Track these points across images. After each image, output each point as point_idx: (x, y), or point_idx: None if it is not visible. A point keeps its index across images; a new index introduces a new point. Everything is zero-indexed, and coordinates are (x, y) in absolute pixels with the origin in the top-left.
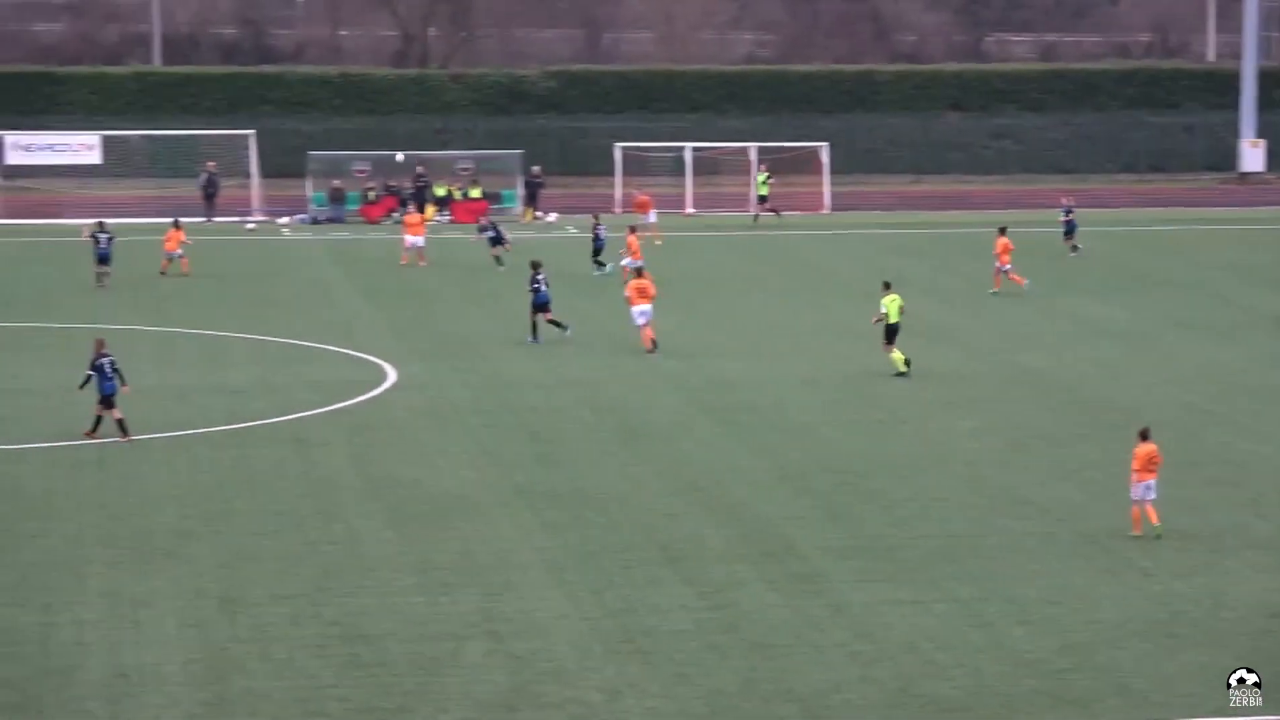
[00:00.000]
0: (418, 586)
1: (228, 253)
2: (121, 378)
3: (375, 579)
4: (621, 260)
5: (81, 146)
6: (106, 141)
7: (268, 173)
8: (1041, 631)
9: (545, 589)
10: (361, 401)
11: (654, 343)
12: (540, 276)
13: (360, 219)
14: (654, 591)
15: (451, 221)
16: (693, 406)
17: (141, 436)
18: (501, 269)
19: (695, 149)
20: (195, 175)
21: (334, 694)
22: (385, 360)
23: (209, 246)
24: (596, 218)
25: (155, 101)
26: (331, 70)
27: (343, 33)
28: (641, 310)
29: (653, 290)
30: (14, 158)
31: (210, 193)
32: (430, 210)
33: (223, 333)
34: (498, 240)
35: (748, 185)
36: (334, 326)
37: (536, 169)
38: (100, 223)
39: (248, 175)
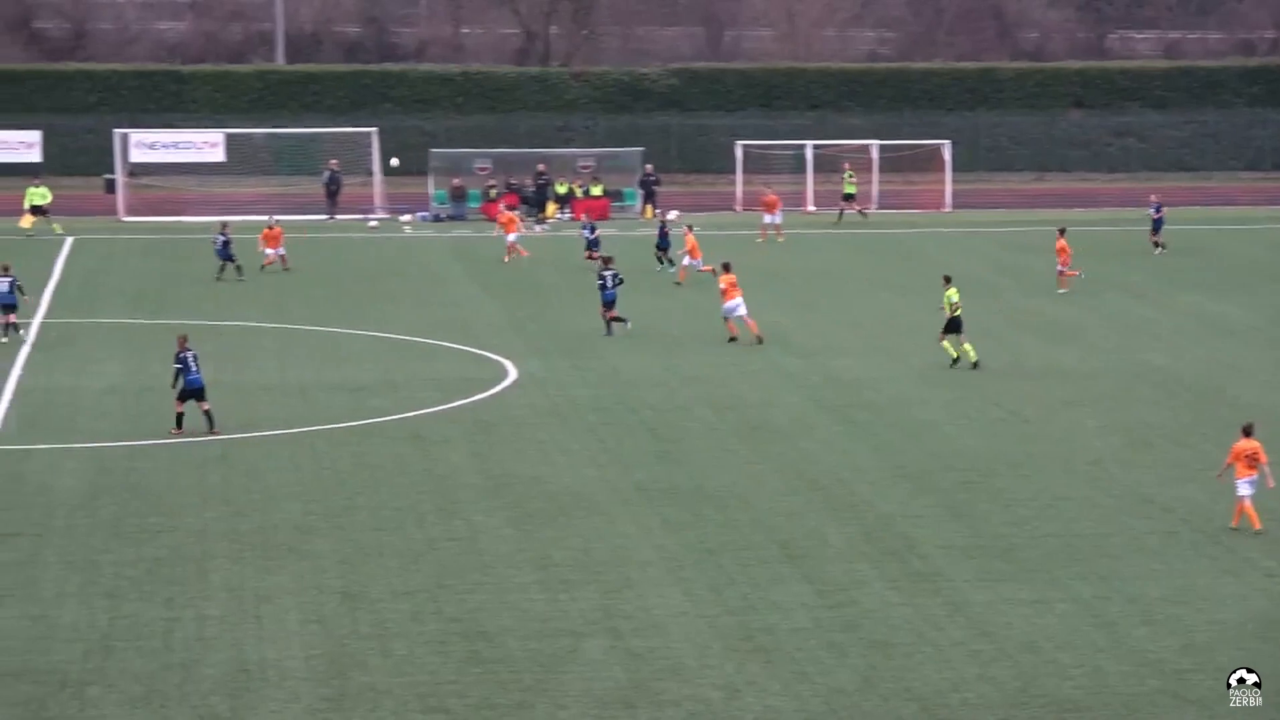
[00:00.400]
0: (537, 583)
1: (350, 250)
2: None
3: (495, 576)
4: (683, 260)
5: (205, 144)
6: (230, 139)
7: (389, 171)
8: (1164, 631)
9: (664, 586)
10: (482, 399)
11: (747, 334)
12: (608, 273)
13: (481, 216)
14: (773, 589)
15: (572, 219)
16: (813, 404)
17: (264, 433)
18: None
19: (816, 146)
20: (318, 173)
21: (453, 690)
22: (505, 357)
23: (331, 244)
24: (664, 214)
25: (278, 100)
26: (454, 68)
27: (465, 31)
28: (735, 303)
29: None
30: (138, 155)
31: (333, 190)
32: (551, 208)
33: (344, 330)
34: (593, 245)
35: (869, 184)
36: (454, 323)
37: (649, 167)
38: (224, 223)
39: (370, 173)
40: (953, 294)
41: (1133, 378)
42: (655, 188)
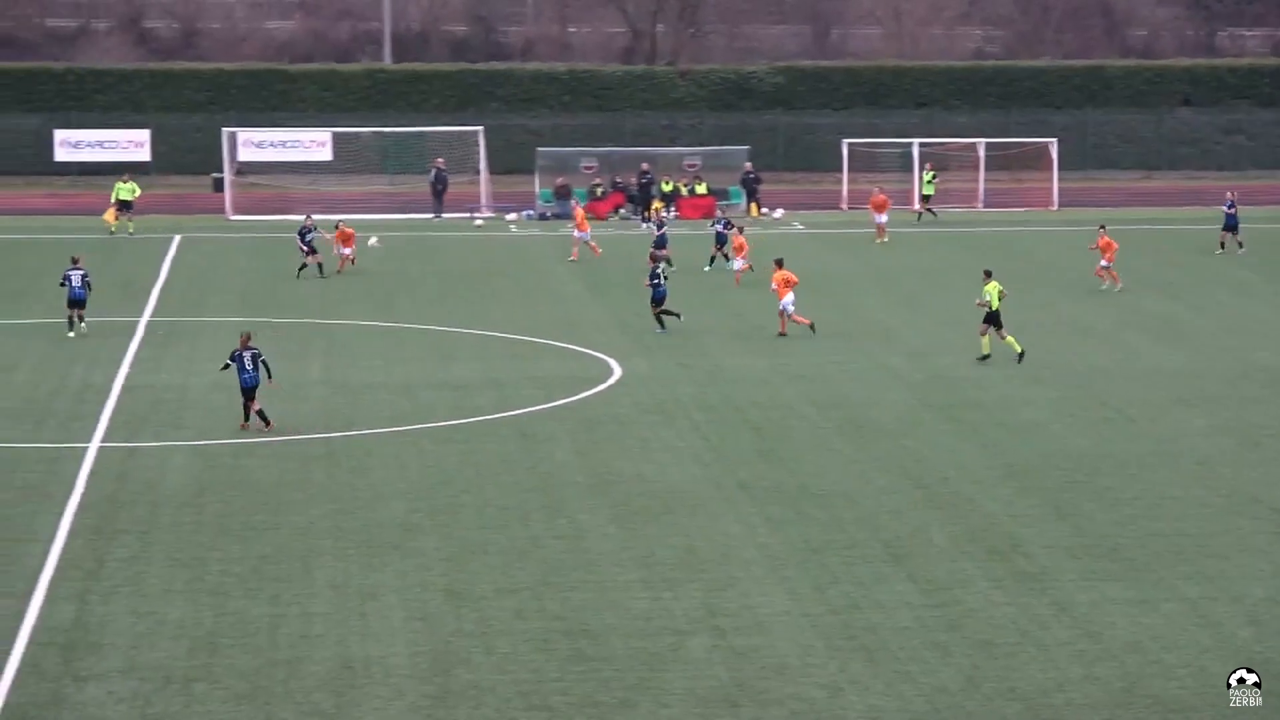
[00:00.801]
0: (641, 582)
1: (455, 248)
2: (268, 370)
3: (598, 574)
4: (735, 264)
5: (313, 143)
6: (337, 138)
7: (496, 169)
8: (1270, 632)
9: (768, 585)
10: (586, 397)
11: (810, 324)
12: (660, 270)
13: (587, 215)
14: (877, 588)
15: (678, 217)
16: (918, 402)
17: (370, 431)
18: (707, 270)
19: (923, 145)
20: (424, 172)
21: (556, 687)
22: (610, 355)
23: (437, 242)
24: (718, 212)
25: (385, 98)
26: (560, 67)
27: (571, 30)
28: (790, 300)
29: (795, 280)
30: (246, 154)
31: (439, 189)
32: (657, 206)
33: (450, 328)
34: (722, 240)
35: (975, 181)
36: (560, 322)
37: (749, 165)
38: (308, 216)
39: (476, 172)
40: (993, 288)
41: (1241, 377)
42: (757, 186)
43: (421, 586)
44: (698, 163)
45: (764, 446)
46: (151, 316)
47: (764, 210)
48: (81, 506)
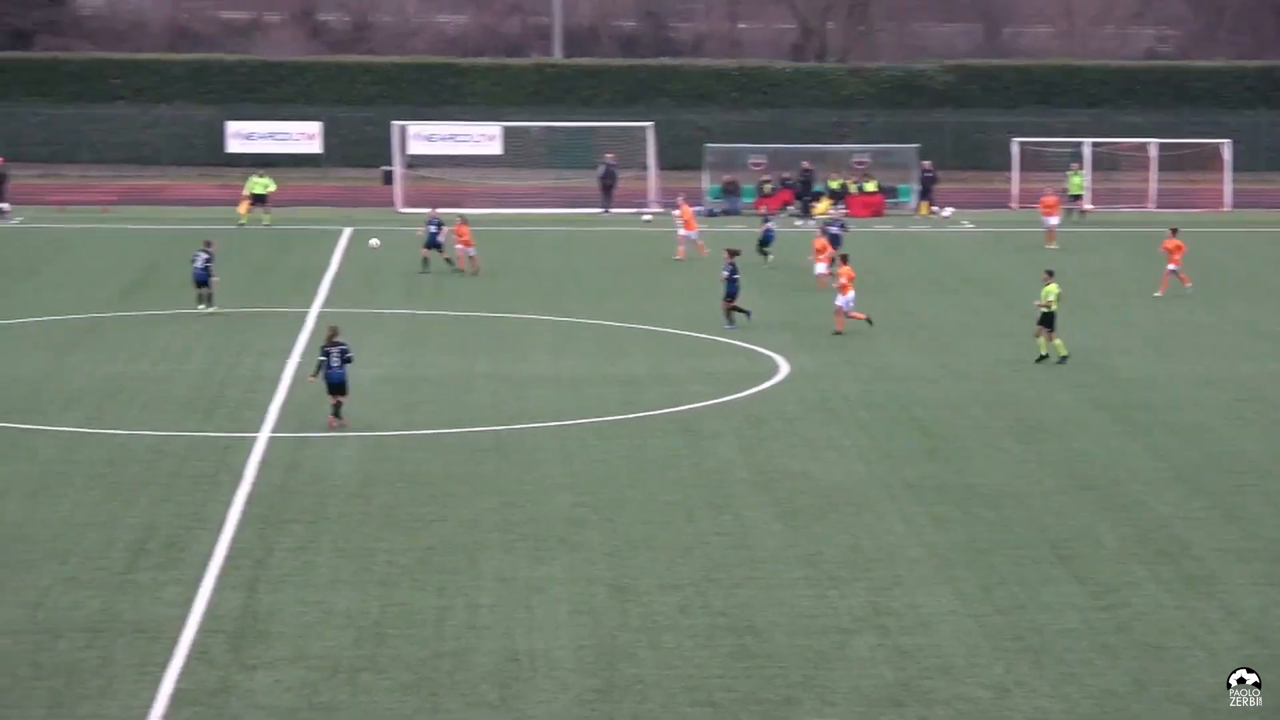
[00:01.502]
0: (805, 579)
1: (624, 244)
2: (344, 359)
3: (763, 570)
4: (819, 268)
5: (482, 137)
6: (507, 132)
7: (664, 164)
8: None
9: (934, 584)
10: (753, 393)
11: (867, 319)
12: (733, 264)
13: (755, 211)
14: (1044, 589)
15: (847, 215)
16: (1087, 403)
17: (537, 425)
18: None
19: (1094, 144)
20: (593, 166)
21: (720, 683)
22: (777, 352)
23: (605, 238)
24: (767, 215)
25: (555, 93)
26: (730, 63)
27: (742, 26)
28: (849, 297)
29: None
30: (416, 148)
31: (608, 184)
32: (825, 204)
33: (617, 323)
34: (767, 239)
35: (1146, 181)
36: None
37: (927, 163)
38: (433, 210)
39: (644, 167)
40: (1052, 289)
41: None
42: (934, 184)
43: (587, 580)
44: (867, 160)
45: (930, 445)
46: (322, 308)
47: (934, 209)
48: (251, 496)
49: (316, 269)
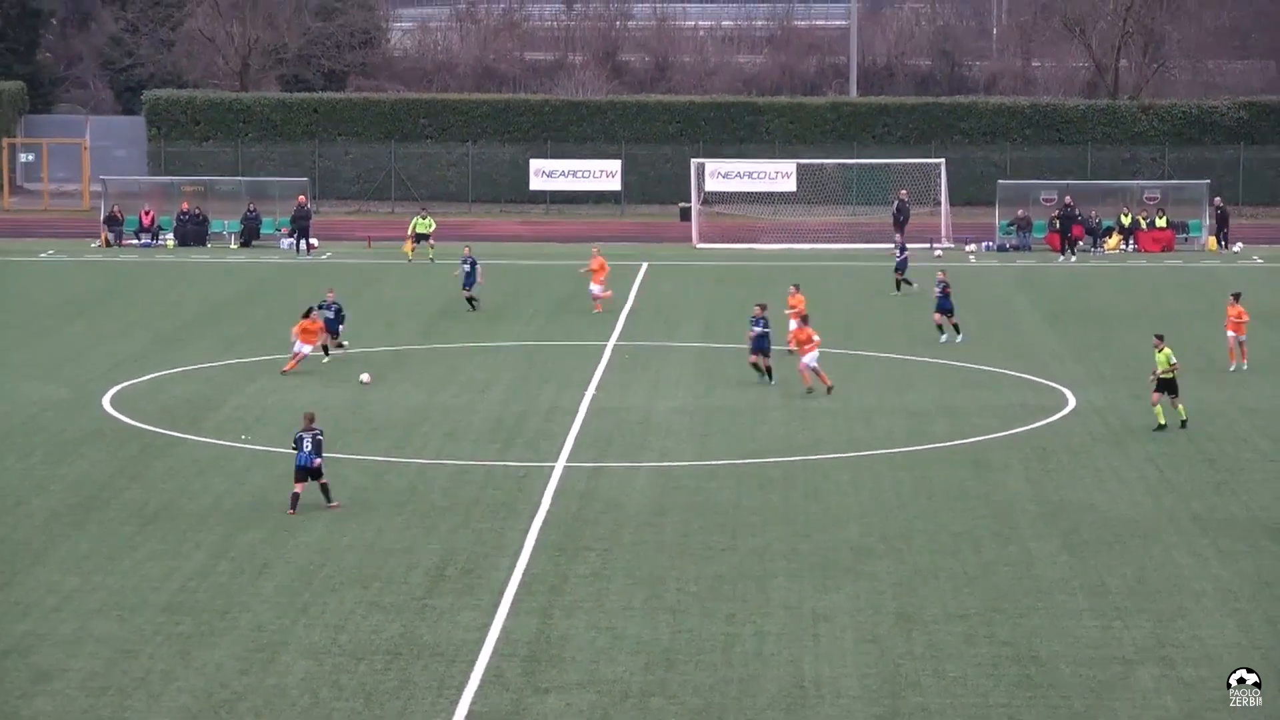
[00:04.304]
0: (1090, 610)
1: (913, 278)
2: (319, 452)
3: (1048, 601)
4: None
5: (778, 174)
6: (801, 169)
7: (956, 200)
8: None
9: (1219, 617)
10: (1041, 426)
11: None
12: (764, 318)
13: (1046, 247)
14: None
15: (1136, 250)
16: None
17: (826, 455)
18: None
19: None
20: (887, 202)
21: (1004, 713)
22: (1066, 385)
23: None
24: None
25: (849, 130)
26: (1023, 100)
27: (1035, 64)
28: (812, 356)
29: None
30: (713, 184)
31: (901, 220)
32: (1115, 239)
33: (907, 356)
34: (902, 266)
35: None
36: (1017, 351)
37: (1219, 200)
38: (467, 246)
39: (937, 203)
40: (1167, 355)
41: None
42: (1227, 220)
43: (873, 609)
44: (1157, 195)
45: (1218, 479)
46: (618, 340)
47: (1225, 245)
48: (546, 523)
49: (614, 303)
